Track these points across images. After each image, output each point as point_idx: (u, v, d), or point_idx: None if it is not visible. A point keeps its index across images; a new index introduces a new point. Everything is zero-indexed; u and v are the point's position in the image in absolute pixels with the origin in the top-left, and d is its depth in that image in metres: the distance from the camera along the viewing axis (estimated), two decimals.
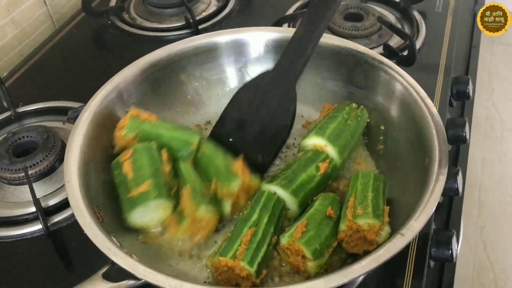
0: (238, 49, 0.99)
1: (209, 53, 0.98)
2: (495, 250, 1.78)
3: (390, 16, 1.32)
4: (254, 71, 1.00)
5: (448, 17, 1.33)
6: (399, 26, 1.27)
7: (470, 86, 1.16)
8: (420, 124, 0.82)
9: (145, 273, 0.63)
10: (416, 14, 1.31)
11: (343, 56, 0.95)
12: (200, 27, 1.31)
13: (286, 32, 0.99)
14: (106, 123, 0.87)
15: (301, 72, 0.88)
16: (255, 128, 0.89)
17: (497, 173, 2.02)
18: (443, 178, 0.70)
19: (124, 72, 0.91)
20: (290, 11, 1.32)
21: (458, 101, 1.18)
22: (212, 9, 1.38)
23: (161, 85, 0.95)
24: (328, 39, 0.96)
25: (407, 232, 0.64)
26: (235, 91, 0.93)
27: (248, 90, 0.91)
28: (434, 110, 0.81)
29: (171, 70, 0.96)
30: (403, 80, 0.87)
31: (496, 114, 2.24)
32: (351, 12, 1.28)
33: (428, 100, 0.83)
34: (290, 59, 0.87)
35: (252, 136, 0.90)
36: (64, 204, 0.91)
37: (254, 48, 0.99)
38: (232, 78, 1.01)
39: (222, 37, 0.98)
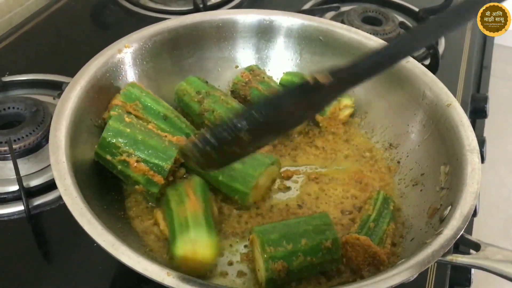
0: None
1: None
2: None
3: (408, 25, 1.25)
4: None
5: (467, 31, 1.27)
6: None
7: (488, 105, 1.10)
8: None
9: None
10: None
11: None
12: None
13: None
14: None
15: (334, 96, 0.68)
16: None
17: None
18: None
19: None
20: (307, 6, 1.24)
21: (473, 118, 1.12)
22: None
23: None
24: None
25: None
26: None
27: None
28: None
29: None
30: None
31: None
32: (370, 15, 1.20)
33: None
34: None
35: None
36: (48, 186, 0.82)
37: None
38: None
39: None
